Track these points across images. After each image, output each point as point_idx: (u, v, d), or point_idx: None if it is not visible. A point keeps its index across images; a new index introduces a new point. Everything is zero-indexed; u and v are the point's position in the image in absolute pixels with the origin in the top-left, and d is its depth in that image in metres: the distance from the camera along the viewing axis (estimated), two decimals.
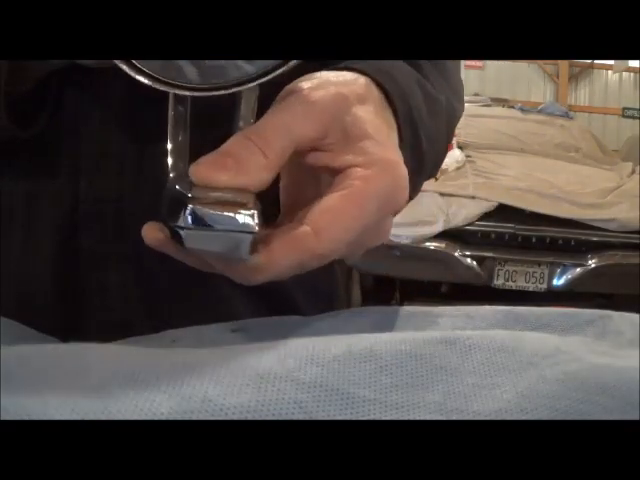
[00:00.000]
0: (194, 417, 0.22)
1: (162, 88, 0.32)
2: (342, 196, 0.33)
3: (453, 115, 0.51)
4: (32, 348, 0.29)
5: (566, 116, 4.29)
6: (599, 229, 2.91)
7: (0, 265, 0.51)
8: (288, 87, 0.34)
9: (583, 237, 2.90)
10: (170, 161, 0.34)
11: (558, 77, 7.83)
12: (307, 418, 0.23)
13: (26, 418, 0.22)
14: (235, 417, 0.23)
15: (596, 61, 7.52)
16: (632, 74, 7.84)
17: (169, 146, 0.34)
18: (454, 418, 0.24)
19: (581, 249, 2.91)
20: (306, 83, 0.34)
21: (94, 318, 0.50)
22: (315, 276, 0.48)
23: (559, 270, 2.91)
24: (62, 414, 0.22)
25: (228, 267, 0.33)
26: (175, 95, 0.34)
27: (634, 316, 0.39)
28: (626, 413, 0.24)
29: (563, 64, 7.74)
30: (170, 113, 0.34)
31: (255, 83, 0.32)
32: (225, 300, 0.52)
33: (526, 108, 4.30)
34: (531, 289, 2.91)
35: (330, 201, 0.32)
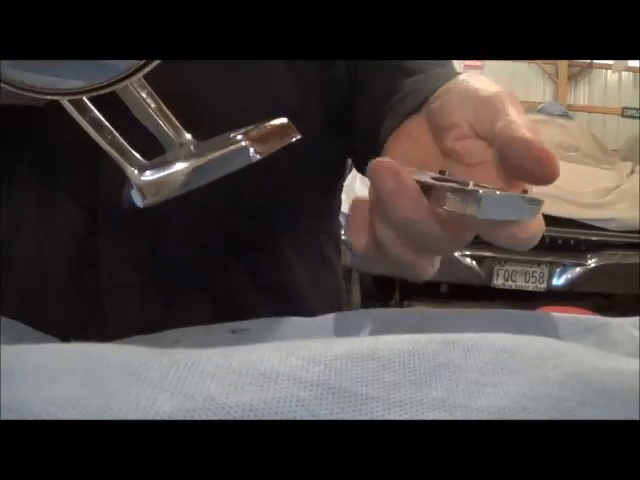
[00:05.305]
0: (196, 415, 0.23)
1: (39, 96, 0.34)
2: None
3: None
4: (33, 347, 0.29)
5: (565, 116, 4.29)
6: (599, 229, 2.91)
7: (16, 262, 0.51)
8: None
9: (583, 237, 2.90)
10: None
11: (557, 77, 7.82)
12: (310, 416, 0.23)
13: (28, 417, 0.22)
14: (237, 415, 0.23)
15: (595, 61, 7.51)
16: (631, 74, 7.83)
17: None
18: (457, 414, 0.24)
19: (581, 249, 2.91)
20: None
21: (112, 317, 0.50)
22: (323, 278, 0.48)
23: (559, 270, 2.91)
24: (64, 412, 0.22)
25: (505, 229, 0.36)
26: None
27: (633, 323, 0.39)
28: (627, 414, 0.24)
29: (562, 64, 7.73)
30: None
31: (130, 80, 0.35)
32: (241, 299, 0.52)
33: (525, 107, 4.28)
34: (531, 289, 2.91)
35: None
